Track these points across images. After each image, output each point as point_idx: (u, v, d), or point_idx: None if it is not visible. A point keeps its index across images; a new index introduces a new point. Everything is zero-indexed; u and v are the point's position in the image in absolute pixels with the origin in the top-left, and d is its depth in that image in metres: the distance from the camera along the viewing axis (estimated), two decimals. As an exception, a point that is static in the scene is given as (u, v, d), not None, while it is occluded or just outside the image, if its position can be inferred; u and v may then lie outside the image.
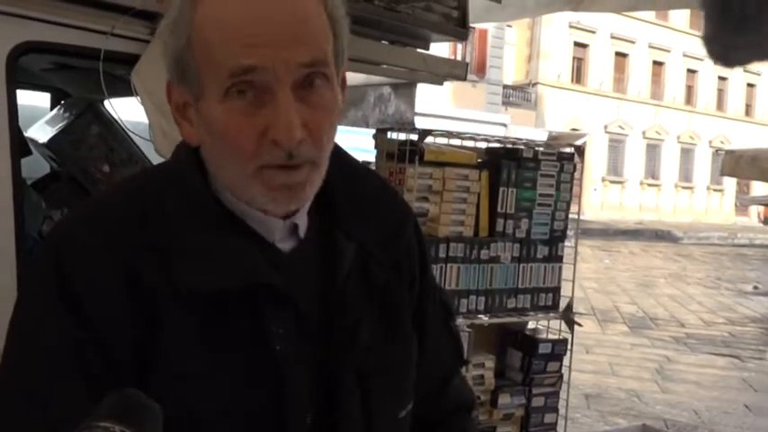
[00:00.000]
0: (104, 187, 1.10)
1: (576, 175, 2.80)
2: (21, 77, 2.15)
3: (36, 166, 3.12)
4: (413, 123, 3.13)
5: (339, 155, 1.08)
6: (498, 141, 2.80)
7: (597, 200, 33.94)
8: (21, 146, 2.15)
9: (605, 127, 35.57)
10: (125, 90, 2.24)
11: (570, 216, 2.83)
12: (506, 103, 30.68)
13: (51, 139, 2.94)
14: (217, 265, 0.95)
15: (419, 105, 3.28)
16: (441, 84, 2.92)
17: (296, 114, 0.91)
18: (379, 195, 1.16)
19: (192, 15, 0.94)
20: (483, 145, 2.75)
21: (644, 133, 37.08)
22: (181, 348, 0.94)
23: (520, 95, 32.70)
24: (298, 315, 0.99)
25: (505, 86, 31.04)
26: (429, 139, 2.53)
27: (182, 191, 0.99)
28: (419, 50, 2.81)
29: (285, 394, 0.97)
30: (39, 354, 0.92)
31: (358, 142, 2.59)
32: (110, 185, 1.18)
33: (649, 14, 31.83)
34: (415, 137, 2.46)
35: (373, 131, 2.68)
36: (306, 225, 1.05)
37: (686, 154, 38.88)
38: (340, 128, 1.04)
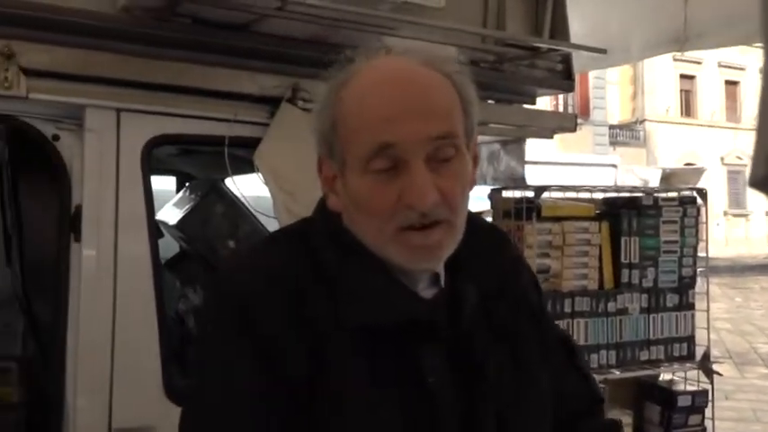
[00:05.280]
0: (246, 245, 1.22)
1: (701, 218, 2.71)
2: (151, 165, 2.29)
3: (165, 247, 3.29)
4: (523, 178, 3.12)
5: None
6: (615, 190, 2.76)
7: (721, 235, 32.39)
8: (156, 229, 2.28)
9: (722, 159, 34.12)
10: (245, 168, 2.36)
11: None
12: (614, 143, 30.00)
13: (180, 221, 3.10)
14: (380, 303, 1.04)
15: (527, 154, 3.27)
16: (551, 137, 2.91)
17: (428, 179, 1.00)
18: (489, 237, 1.25)
19: (335, 103, 1.06)
20: (599, 195, 2.71)
21: (765, 161, 35.35)
22: (344, 385, 1.01)
23: (628, 134, 31.92)
24: (447, 351, 1.07)
25: (611, 126, 30.41)
26: (545, 195, 2.52)
27: (337, 241, 1.08)
28: (526, 106, 2.82)
29: (440, 424, 1.03)
30: (233, 396, 1.01)
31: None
32: (251, 244, 1.29)
33: (758, 39, 30.59)
34: (530, 193, 2.45)
35: (488, 189, 2.69)
36: (443, 274, 1.13)
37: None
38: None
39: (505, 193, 2.56)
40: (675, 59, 32.63)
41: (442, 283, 1.12)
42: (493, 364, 1.11)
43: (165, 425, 1.99)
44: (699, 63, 33.52)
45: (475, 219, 1.21)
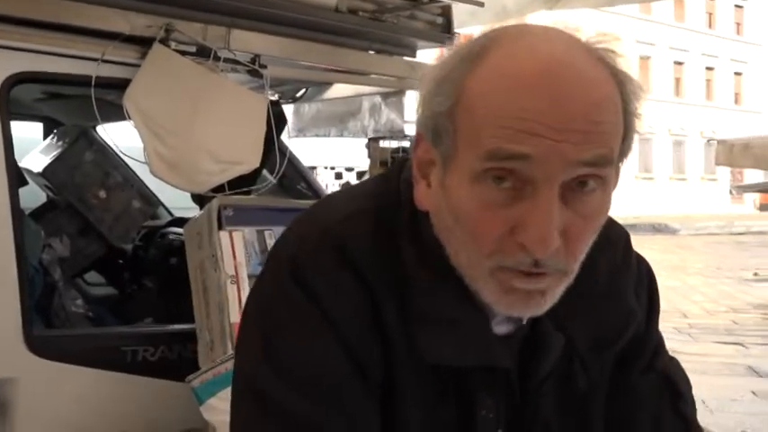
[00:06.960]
0: (322, 205, 0.99)
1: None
2: (13, 108, 2.16)
3: (32, 196, 3.14)
4: (402, 130, 3.15)
5: None
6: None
7: (592, 197, 34.01)
8: (17, 176, 2.17)
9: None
10: (117, 115, 2.27)
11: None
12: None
13: (46, 168, 2.96)
14: (455, 340, 0.86)
15: (410, 113, 3.30)
16: (431, 90, 2.94)
17: (555, 219, 0.76)
18: (605, 290, 0.96)
19: (461, 78, 0.79)
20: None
21: (634, 127, 37.26)
22: (397, 407, 0.87)
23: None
24: (506, 403, 0.91)
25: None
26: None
27: (419, 247, 0.87)
28: (406, 59, 2.83)
29: None
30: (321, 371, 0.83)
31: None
32: (327, 203, 0.99)
33: (633, 9, 31.94)
34: (407, 144, 2.48)
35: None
36: None
37: (678, 146, 39.02)
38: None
39: (382, 144, 2.58)
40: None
41: (524, 320, 0.90)
42: None
43: (27, 375, 1.92)
44: (576, 31, 34.67)
45: (600, 240, 0.86)
